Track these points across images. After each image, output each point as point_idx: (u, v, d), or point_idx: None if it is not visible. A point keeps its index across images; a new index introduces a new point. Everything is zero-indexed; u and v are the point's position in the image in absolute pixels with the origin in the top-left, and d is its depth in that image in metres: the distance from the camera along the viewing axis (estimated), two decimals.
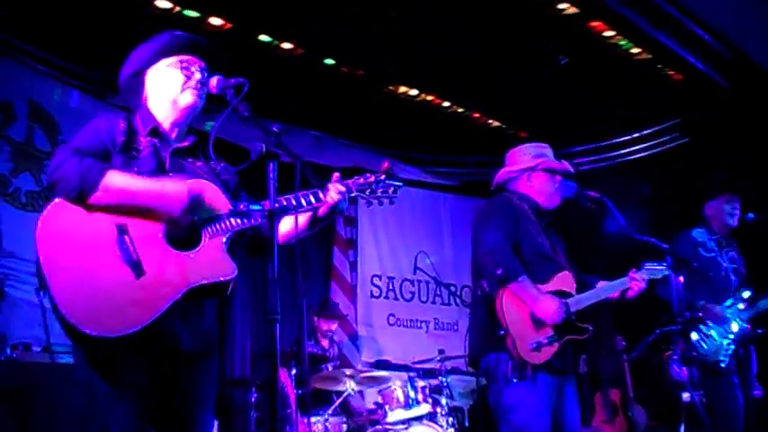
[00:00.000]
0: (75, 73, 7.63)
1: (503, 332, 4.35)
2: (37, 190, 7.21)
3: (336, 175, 3.47)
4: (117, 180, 3.09)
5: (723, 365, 5.68)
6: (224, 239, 3.21)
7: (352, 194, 3.44)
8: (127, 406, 3.06)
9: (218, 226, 3.21)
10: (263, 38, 7.53)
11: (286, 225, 3.46)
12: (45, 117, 7.48)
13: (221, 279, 3.16)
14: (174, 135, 3.43)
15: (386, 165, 3.57)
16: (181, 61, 3.41)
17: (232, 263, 3.19)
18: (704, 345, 5.69)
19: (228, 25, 7.18)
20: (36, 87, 7.42)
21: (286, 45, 7.69)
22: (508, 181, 4.92)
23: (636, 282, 4.67)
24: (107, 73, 7.65)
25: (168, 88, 3.40)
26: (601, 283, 4.75)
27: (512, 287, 4.39)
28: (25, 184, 7.20)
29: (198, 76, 3.38)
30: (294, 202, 3.32)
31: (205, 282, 3.13)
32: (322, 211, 3.43)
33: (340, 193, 3.39)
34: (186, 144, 3.45)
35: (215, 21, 7.09)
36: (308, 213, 3.45)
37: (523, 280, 4.40)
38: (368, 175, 3.50)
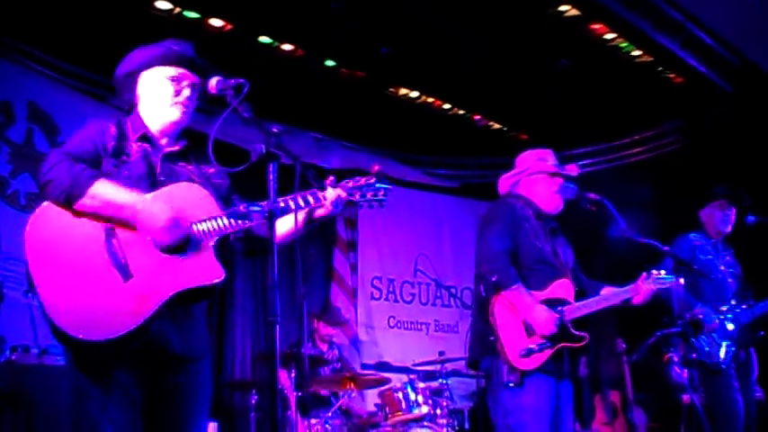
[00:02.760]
0: (76, 74, 7.63)
1: (492, 338, 4.41)
2: (36, 191, 7.19)
3: (331, 178, 3.47)
4: (105, 190, 3.10)
5: (723, 366, 5.68)
6: (212, 243, 3.21)
7: (345, 198, 3.44)
8: (119, 409, 3.06)
9: (209, 229, 3.20)
10: (264, 39, 7.54)
11: (281, 227, 3.44)
12: (45, 118, 7.47)
13: (209, 283, 3.16)
14: (163, 141, 3.44)
15: (376, 168, 3.57)
16: (172, 77, 3.41)
17: (220, 267, 3.18)
18: (705, 346, 5.69)
19: (229, 26, 7.18)
20: (36, 89, 7.41)
21: (286, 46, 7.70)
22: (512, 186, 4.94)
23: (643, 291, 4.65)
24: (108, 75, 7.63)
25: (158, 98, 3.41)
26: (605, 290, 4.75)
27: (506, 294, 4.42)
28: (24, 186, 7.20)
29: (187, 92, 3.40)
30: (292, 205, 3.31)
31: (193, 285, 3.13)
32: (319, 213, 3.44)
33: (338, 196, 3.40)
34: (177, 148, 3.45)
35: (215, 22, 7.09)
36: (303, 214, 3.45)
37: (518, 288, 4.43)
38: (358, 177, 3.50)
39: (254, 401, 7.14)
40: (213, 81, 3.28)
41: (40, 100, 7.45)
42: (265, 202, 3.14)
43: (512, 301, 4.42)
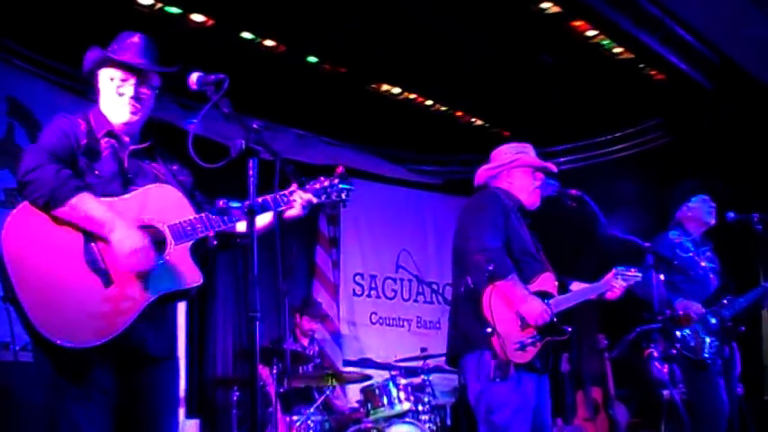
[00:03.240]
0: (57, 70, 7.57)
1: (490, 329, 4.30)
2: (16, 187, 7.15)
3: (295, 184, 3.51)
4: (87, 205, 3.12)
5: (709, 362, 5.70)
6: (189, 245, 3.26)
7: (314, 202, 3.52)
8: (97, 407, 3.09)
9: (185, 230, 3.24)
10: (246, 35, 7.50)
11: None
12: (25, 114, 7.42)
13: (188, 286, 3.22)
14: (127, 139, 3.46)
15: (340, 169, 3.64)
16: (112, 78, 3.44)
17: (198, 270, 3.25)
18: (690, 341, 5.70)
19: (210, 22, 7.14)
20: (16, 84, 7.35)
21: (268, 42, 7.67)
22: (490, 179, 4.90)
23: (614, 286, 4.70)
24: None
25: (108, 100, 3.45)
26: (575, 285, 4.77)
27: (500, 285, 4.35)
28: (4, 182, 7.14)
29: (130, 92, 3.41)
30: (264, 205, 3.38)
31: (173, 289, 3.19)
32: (289, 214, 3.51)
33: (308, 200, 3.49)
34: (142, 146, 3.48)
35: (197, 17, 7.05)
36: (270, 216, 3.52)
37: (513, 278, 4.38)
38: (322, 178, 3.58)
39: (235, 398, 7.13)
40: (194, 76, 3.28)
41: (20, 95, 7.39)
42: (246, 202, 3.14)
43: (506, 291, 4.37)
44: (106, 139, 3.37)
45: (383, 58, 8.10)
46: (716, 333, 5.72)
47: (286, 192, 3.45)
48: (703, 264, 6.03)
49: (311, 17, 7.21)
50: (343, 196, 3.58)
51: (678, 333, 5.69)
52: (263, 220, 3.51)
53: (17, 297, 2.97)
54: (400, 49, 7.90)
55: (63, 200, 3.07)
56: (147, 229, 3.21)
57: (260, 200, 3.33)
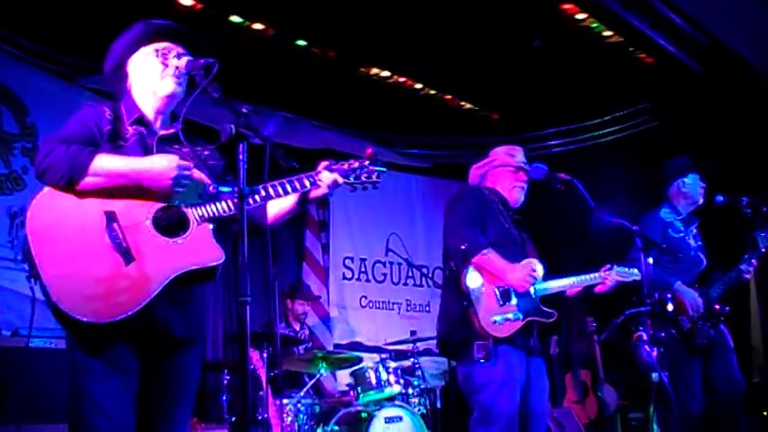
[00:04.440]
0: (45, 55, 7.55)
1: (465, 303, 4.42)
2: (5, 172, 7.13)
3: (326, 162, 3.52)
4: (106, 162, 3.13)
5: (700, 347, 5.72)
6: (211, 226, 3.26)
7: (341, 183, 3.51)
8: (119, 385, 3.11)
9: (205, 211, 3.25)
10: (234, 18, 7.48)
11: (276, 207, 3.57)
12: (13, 99, 7.39)
13: (209, 264, 3.21)
14: (158, 123, 3.44)
15: (370, 150, 3.62)
16: (156, 50, 3.40)
17: (219, 248, 3.25)
18: (684, 325, 5.72)
19: (199, 6, 7.12)
20: (3, 69, 7.32)
21: (257, 26, 7.65)
22: (482, 177, 5.08)
23: (608, 278, 4.83)
24: (76, 55, 7.58)
25: (147, 77, 3.40)
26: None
27: (478, 260, 4.47)
28: None
29: (175, 62, 3.35)
30: (289, 188, 3.39)
31: (193, 267, 3.17)
32: (315, 193, 3.53)
33: (335, 180, 3.47)
34: (172, 131, 3.45)
35: (185, 1, 7.03)
36: (296, 197, 3.55)
37: (489, 252, 4.49)
38: (352, 161, 3.56)
39: (225, 382, 7.14)
40: (183, 61, 3.27)
41: (8, 80, 7.36)
42: (263, 185, 3.20)
43: (484, 266, 4.47)
44: (134, 127, 3.35)
45: (372, 41, 8.08)
46: (705, 315, 5.74)
47: (311, 173, 3.45)
48: (693, 243, 6.03)
49: (300, 0, 7.19)
50: (374, 177, 3.55)
51: (671, 313, 5.70)
52: (283, 203, 3.55)
53: (39, 272, 2.99)
54: (389, 32, 7.89)
55: (83, 169, 3.08)
56: (169, 208, 3.22)
57: (285, 182, 3.36)
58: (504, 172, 4.98)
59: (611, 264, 4.84)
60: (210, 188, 3.23)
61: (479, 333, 4.38)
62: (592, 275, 4.83)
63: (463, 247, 4.43)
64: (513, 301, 4.52)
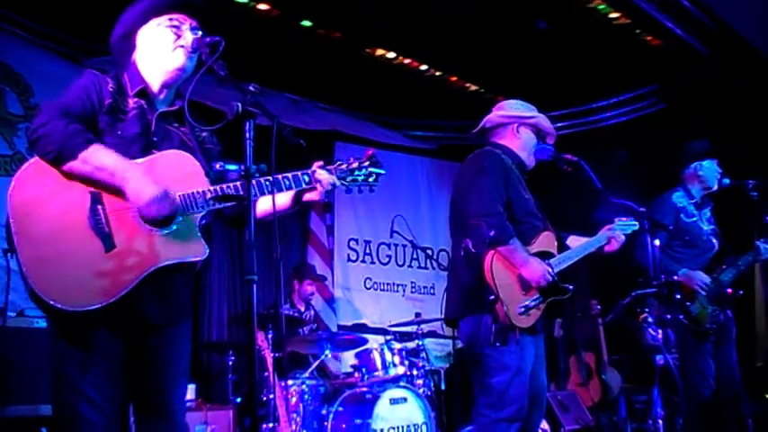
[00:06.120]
0: (49, 35, 7.53)
1: (493, 297, 4.26)
2: (9, 153, 7.14)
3: (320, 162, 3.40)
4: (99, 155, 3.05)
5: (710, 331, 5.69)
6: (198, 217, 3.18)
7: (338, 185, 3.38)
8: (101, 372, 3.05)
9: (193, 203, 3.16)
10: None
11: (265, 204, 3.41)
12: (17, 80, 7.38)
13: (191, 259, 3.15)
14: (162, 96, 3.38)
15: (370, 152, 3.50)
16: (171, 19, 3.34)
17: (203, 243, 3.17)
18: (692, 311, 5.68)
19: None
20: (8, 49, 7.31)
21: (262, 6, 7.61)
22: (496, 127, 4.87)
23: (614, 237, 4.71)
24: (81, 36, 7.55)
25: (158, 48, 3.34)
26: (572, 238, 4.78)
27: (501, 249, 4.32)
28: None
29: (188, 35, 3.30)
30: (286, 182, 3.27)
31: (174, 261, 3.11)
32: (309, 196, 3.42)
33: (332, 182, 3.36)
34: (173, 108, 3.39)
35: None
36: (290, 195, 3.43)
37: (514, 242, 4.33)
38: (352, 160, 3.44)
39: (230, 363, 7.16)
40: (191, 36, 3.24)
41: (11, 61, 7.35)
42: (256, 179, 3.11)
43: (507, 255, 4.33)
44: (135, 100, 3.28)
45: (378, 22, 8.04)
46: (715, 300, 5.71)
47: (308, 171, 3.32)
48: (705, 228, 5.99)
49: None
50: (371, 180, 3.44)
51: (679, 299, 5.67)
52: (279, 201, 3.38)
53: (17, 254, 2.94)
54: (395, 13, 7.84)
55: (73, 152, 3.00)
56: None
57: (280, 176, 3.25)
58: (532, 133, 4.82)
59: (610, 222, 4.77)
60: (217, 165, 3.17)
61: (507, 326, 4.28)
62: (598, 237, 4.72)
63: (491, 234, 4.25)
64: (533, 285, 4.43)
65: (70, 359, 3.04)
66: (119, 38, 3.41)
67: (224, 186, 3.19)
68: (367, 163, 3.44)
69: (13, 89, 7.33)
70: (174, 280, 3.24)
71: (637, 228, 4.80)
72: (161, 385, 3.26)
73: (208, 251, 3.18)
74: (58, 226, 3.00)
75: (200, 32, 3.27)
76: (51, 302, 2.92)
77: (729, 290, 5.75)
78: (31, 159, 3.08)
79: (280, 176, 3.25)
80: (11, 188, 3.01)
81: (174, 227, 3.13)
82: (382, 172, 3.47)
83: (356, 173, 3.41)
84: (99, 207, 3.05)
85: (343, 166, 3.40)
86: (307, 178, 3.31)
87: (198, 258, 3.16)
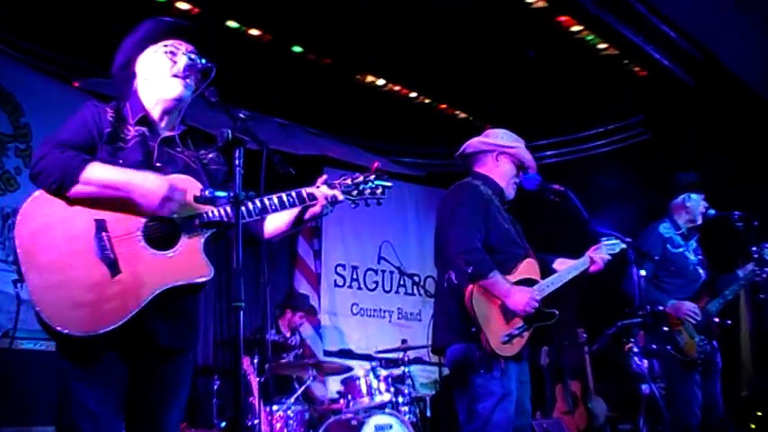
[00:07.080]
0: (40, 55, 7.52)
1: (474, 329, 4.30)
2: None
3: (324, 176, 3.42)
4: (97, 172, 3.08)
5: (698, 361, 5.71)
6: (202, 240, 3.20)
7: (341, 199, 3.37)
8: (106, 390, 3.07)
9: (195, 223, 3.18)
10: (231, 24, 7.48)
11: (274, 222, 3.46)
12: (7, 99, 7.37)
13: (196, 281, 3.17)
14: (163, 123, 3.39)
15: (376, 164, 3.49)
16: (166, 45, 3.36)
17: (208, 264, 3.19)
18: (679, 342, 5.70)
19: (196, 10, 7.11)
20: None
21: (253, 31, 7.64)
22: (477, 154, 4.90)
23: (597, 257, 4.73)
24: (72, 56, 7.56)
25: (155, 75, 3.35)
26: (559, 261, 4.81)
27: (482, 283, 4.34)
28: None
29: (184, 60, 3.31)
30: (286, 200, 3.28)
31: (179, 283, 3.13)
32: (313, 211, 3.41)
33: (334, 196, 3.35)
34: (175, 133, 3.40)
35: (182, 5, 7.02)
36: (294, 213, 3.43)
37: (494, 275, 4.35)
38: (357, 174, 3.43)
39: (215, 387, 7.13)
40: (184, 60, 3.26)
41: (2, 80, 7.35)
42: (259, 197, 3.12)
43: (488, 288, 4.35)
44: (136, 128, 3.29)
45: (368, 49, 8.09)
46: (702, 329, 5.73)
47: (310, 189, 3.32)
48: (692, 258, 6.02)
49: (297, 7, 7.19)
50: (378, 193, 3.41)
51: (666, 330, 5.68)
52: (280, 219, 3.43)
53: (26, 283, 2.97)
54: (385, 41, 7.89)
55: (74, 176, 3.03)
56: (161, 220, 3.16)
57: (275, 197, 3.25)
58: (512, 163, 4.82)
59: (596, 242, 4.79)
60: (206, 192, 3.17)
61: (490, 355, 4.31)
62: (582, 260, 4.75)
63: (470, 271, 4.30)
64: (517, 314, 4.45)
65: (76, 378, 3.06)
66: (119, 67, 3.43)
67: (209, 212, 3.21)
68: (372, 176, 3.42)
69: (2, 108, 7.32)
70: (180, 301, 3.26)
71: (624, 247, 4.82)
72: (159, 411, 3.26)
73: (213, 272, 3.19)
74: (65, 254, 3.03)
75: (194, 57, 3.28)
76: (59, 329, 2.94)
77: (717, 319, 5.78)
78: (35, 193, 3.12)
79: (284, 193, 3.26)
80: (18, 222, 3.07)
81: (179, 248, 3.16)
82: (389, 185, 3.45)
83: (362, 186, 3.40)
84: (104, 234, 3.08)
85: (348, 181, 3.40)
86: (306, 197, 3.30)
87: (203, 279, 3.18)
